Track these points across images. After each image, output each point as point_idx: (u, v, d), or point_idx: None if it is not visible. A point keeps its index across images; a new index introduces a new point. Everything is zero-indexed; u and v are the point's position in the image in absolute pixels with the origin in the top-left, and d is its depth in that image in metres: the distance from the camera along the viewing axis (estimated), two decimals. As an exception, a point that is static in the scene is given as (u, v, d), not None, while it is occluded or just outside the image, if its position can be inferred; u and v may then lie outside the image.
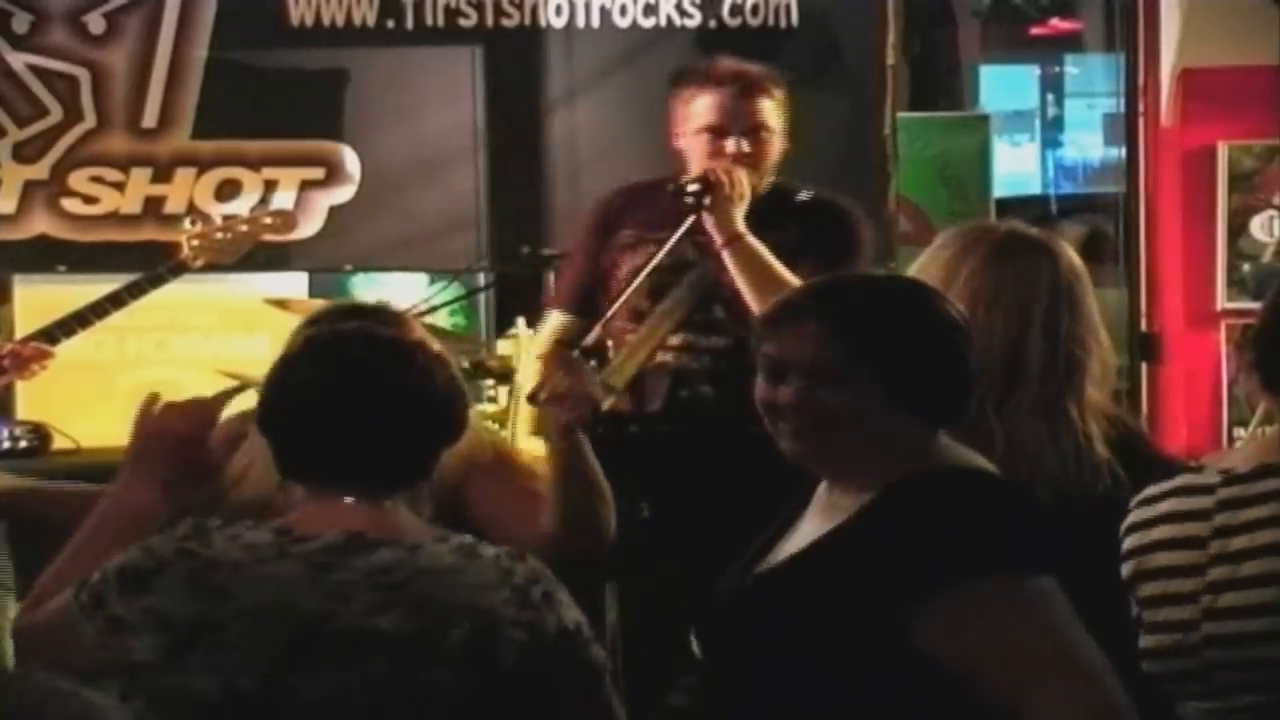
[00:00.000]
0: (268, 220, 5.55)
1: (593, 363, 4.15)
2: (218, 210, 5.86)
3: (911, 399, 2.62)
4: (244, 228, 5.46)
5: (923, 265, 3.37)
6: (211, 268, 5.44)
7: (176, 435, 2.97)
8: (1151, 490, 3.06)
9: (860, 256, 4.64)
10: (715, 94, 4.69)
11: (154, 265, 5.41)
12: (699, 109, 4.71)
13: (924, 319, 2.65)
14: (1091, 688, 2.50)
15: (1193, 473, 3.06)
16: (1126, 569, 3.02)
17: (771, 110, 4.71)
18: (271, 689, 2.56)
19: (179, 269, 5.35)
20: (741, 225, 4.56)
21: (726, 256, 4.56)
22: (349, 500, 2.67)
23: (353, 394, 2.68)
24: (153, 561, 2.62)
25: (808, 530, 2.69)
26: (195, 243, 5.37)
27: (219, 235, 5.40)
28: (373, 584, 2.58)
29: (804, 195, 4.78)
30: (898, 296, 2.73)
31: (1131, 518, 3.05)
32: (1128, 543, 3.04)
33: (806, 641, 2.56)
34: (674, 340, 4.70)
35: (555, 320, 4.83)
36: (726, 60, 4.81)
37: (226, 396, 3.14)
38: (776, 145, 4.73)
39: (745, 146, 4.65)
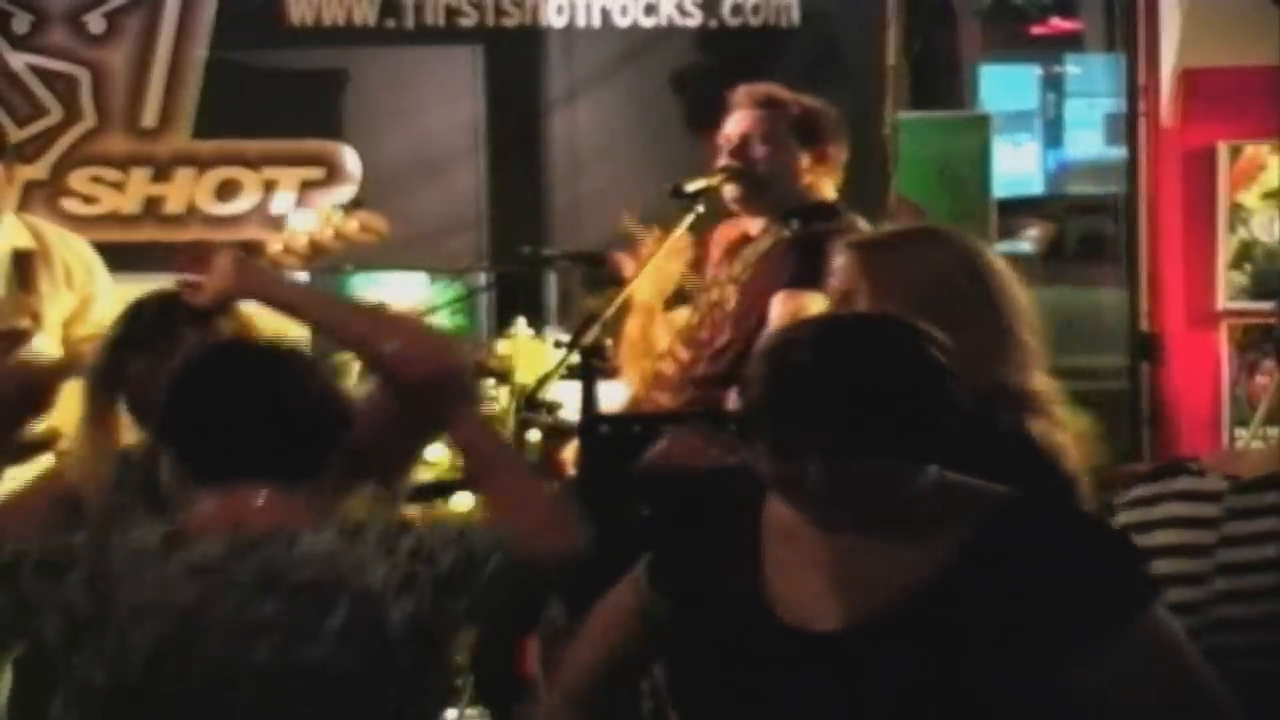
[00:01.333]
0: (354, 225, 5.33)
1: (594, 361, 4.19)
2: (218, 210, 5.88)
3: (933, 445, 2.53)
4: (329, 235, 5.30)
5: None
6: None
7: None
8: (1144, 491, 3.00)
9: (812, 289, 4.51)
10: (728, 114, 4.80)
11: (154, 266, 5.38)
12: None
13: (931, 369, 2.52)
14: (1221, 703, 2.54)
15: (1194, 476, 2.98)
16: None
17: (754, 120, 4.75)
18: (154, 680, 2.72)
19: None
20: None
21: None
22: (249, 494, 2.82)
23: (250, 398, 2.86)
24: (69, 557, 2.79)
25: (849, 567, 2.54)
26: (279, 248, 5.22)
27: (303, 242, 5.24)
28: (251, 577, 2.73)
29: (794, 225, 4.76)
30: (906, 353, 2.53)
31: (1123, 518, 2.99)
32: None
33: (953, 691, 2.47)
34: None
35: None
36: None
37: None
38: (769, 155, 4.74)
39: (733, 157, 4.72)
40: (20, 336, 5.00)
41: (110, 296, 5.04)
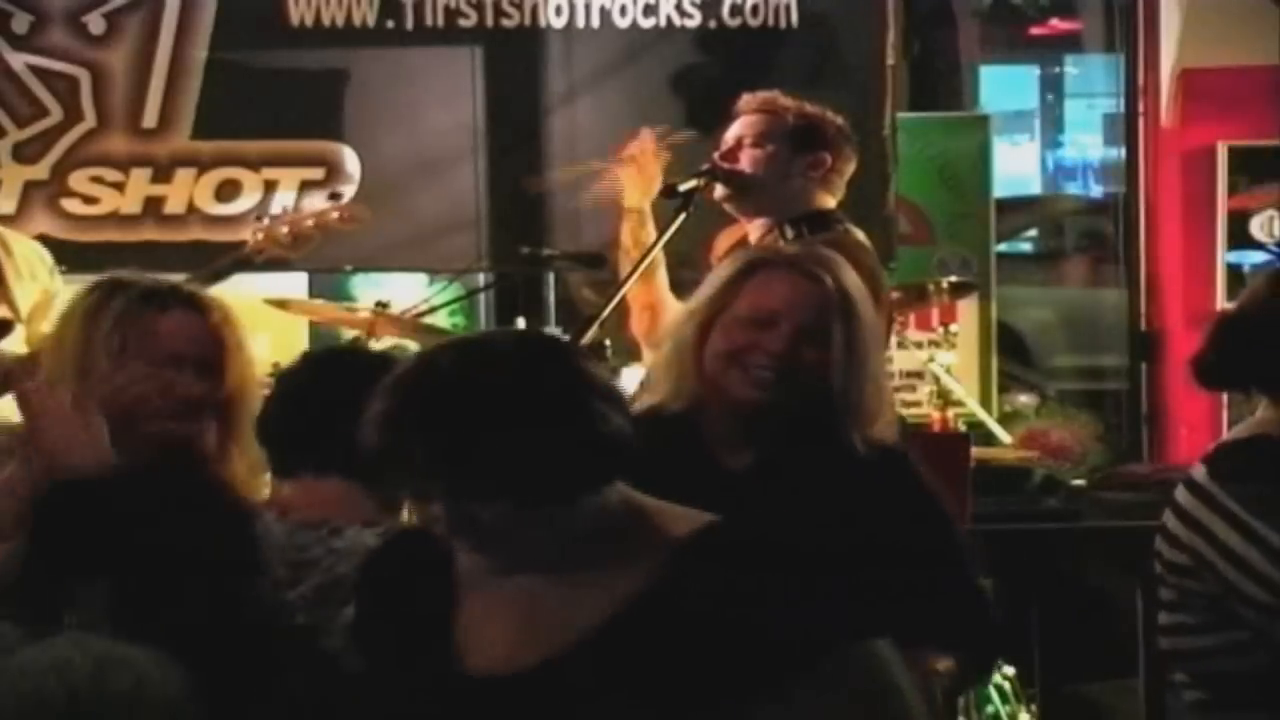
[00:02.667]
0: (335, 214, 5.36)
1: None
2: (218, 210, 5.89)
3: (583, 480, 2.36)
4: (309, 223, 5.30)
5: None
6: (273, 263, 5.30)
7: None
8: None
9: None
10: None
11: (154, 266, 5.37)
12: None
13: (559, 399, 2.34)
14: None
15: None
16: None
17: (749, 124, 4.74)
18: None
19: (242, 263, 5.21)
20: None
21: None
22: (311, 486, 2.97)
23: (313, 402, 3.02)
24: None
25: (534, 608, 2.39)
26: (259, 237, 5.23)
27: (284, 230, 5.24)
28: (290, 561, 2.88)
29: (787, 233, 4.77)
30: (527, 384, 2.34)
31: None
32: None
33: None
34: None
35: None
36: None
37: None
38: (756, 158, 4.73)
39: (722, 160, 4.73)
40: (2, 326, 4.97)
41: (67, 295, 5.03)
